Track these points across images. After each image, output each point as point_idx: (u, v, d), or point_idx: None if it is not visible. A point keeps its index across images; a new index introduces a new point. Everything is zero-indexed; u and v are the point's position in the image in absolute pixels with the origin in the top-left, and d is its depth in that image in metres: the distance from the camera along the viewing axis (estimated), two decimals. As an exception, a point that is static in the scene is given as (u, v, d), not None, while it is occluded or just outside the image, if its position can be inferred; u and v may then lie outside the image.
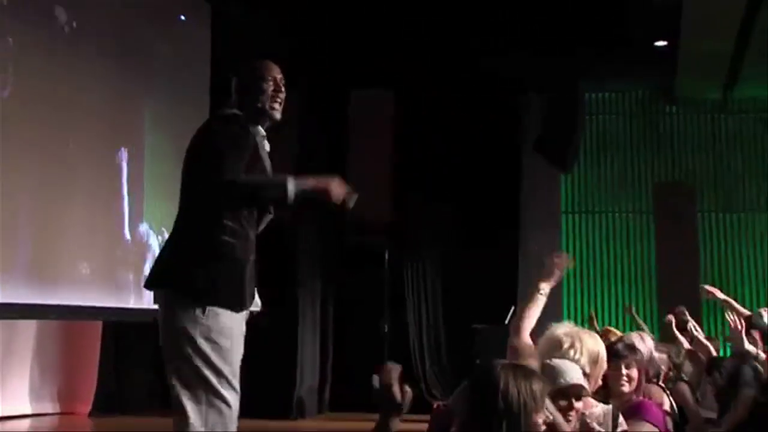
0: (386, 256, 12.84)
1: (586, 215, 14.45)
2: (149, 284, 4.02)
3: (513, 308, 11.80)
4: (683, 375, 7.35)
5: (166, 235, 4.79)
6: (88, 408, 11.57)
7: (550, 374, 3.40)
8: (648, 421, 4.18)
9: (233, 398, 3.94)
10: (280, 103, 4.28)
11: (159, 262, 4.10)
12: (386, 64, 12.47)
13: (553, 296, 12.86)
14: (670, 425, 4.70)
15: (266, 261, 12.60)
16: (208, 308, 3.83)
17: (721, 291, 13.12)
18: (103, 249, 9.53)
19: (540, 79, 12.74)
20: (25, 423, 10.92)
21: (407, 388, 2.92)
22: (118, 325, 11.50)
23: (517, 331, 4.10)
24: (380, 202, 12.64)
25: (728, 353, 9.11)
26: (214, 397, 3.92)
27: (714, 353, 8.41)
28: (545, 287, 4.27)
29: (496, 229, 13.21)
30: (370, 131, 12.90)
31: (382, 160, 12.90)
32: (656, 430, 4.24)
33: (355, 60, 12.50)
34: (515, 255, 13.36)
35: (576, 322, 11.37)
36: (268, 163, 4.13)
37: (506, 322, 10.86)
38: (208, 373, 3.87)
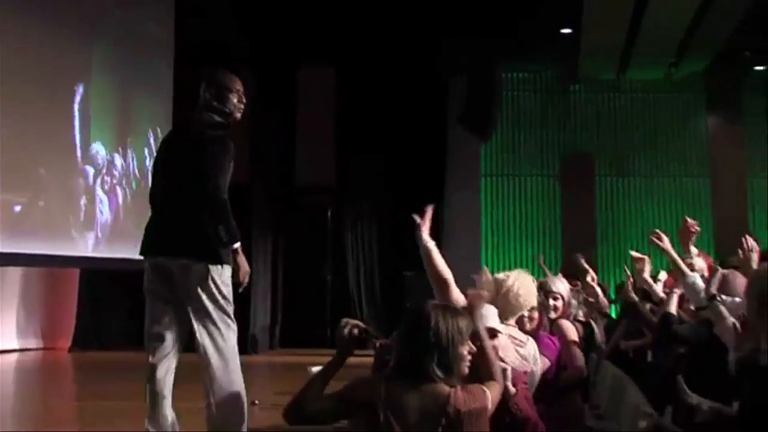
0: (329, 213, 13.26)
1: (502, 178, 14.67)
2: (180, 253, 4.49)
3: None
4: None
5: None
6: (68, 344, 11.88)
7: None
8: (543, 354, 4.12)
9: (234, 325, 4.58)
10: (241, 110, 4.86)
11: (179, 234, 4.52)
12: (329, 44, 12.69)
13: (472, 250, 13.46)
14: (579, 355, 4.83)
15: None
16: (223, 266, 4.47)
17: (614, 246, 13.96)
18: (58, 178, 9.57)
19: (464, 60, 13.05)
20: (13, 357, 11.18)
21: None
22: (93, 272, 11.81)
23: (447, 289, 3.88)
24: (324, 167, 13.06)
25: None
26: (231, 323, 4.53)
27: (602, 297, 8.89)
28: (425, 239, 4.05)
29: (425, 188, 13.04)
30: (315, 104, 13.26)
31: (326, 130, 13.28)
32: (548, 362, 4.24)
33: (301, 40, 12.67)
34: (440, 211, 13.73)
35: (493, 272, 11.80)
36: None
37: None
38: (228, 309, 4.50)
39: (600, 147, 14.59)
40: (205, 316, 4.44)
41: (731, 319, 3.86)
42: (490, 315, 3.50)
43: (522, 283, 3.94)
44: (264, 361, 11.66)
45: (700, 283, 4.14)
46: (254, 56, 12.62)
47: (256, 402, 7.02)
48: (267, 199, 12.81)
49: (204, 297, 4.43)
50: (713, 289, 4.11)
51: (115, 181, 10.67)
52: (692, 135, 14.56)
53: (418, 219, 4.01)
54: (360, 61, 13.19)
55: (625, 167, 14.55)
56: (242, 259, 4.50)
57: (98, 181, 10.39)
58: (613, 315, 8.96)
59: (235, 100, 4.80)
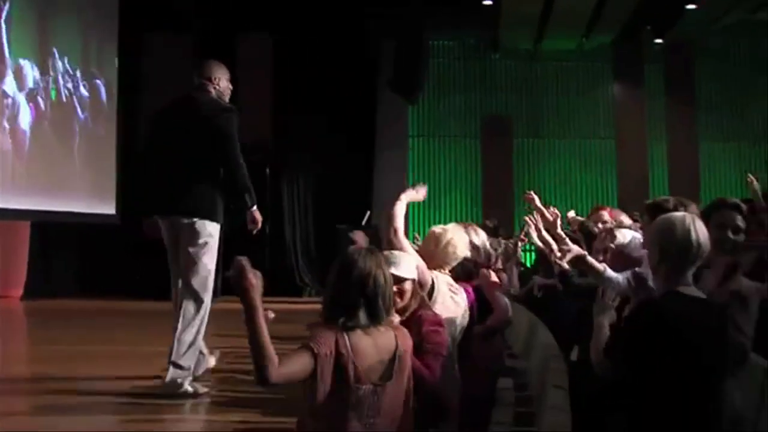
0: (267, 171, 13.19)
1: (428, 139, 14.75)
2: (184, 213, 5.12)
3: (368, 213, 12.38)
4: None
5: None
6: (20, 293, 11.68)
7: (389, 262, 3.22)
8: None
9: None
10: (229, 95, 5.48)
11: (184, 198, 5.12)
12: (266, 10, 12.59)
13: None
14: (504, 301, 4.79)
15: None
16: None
17: (528, 204, 14.18)
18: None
19: (393, 28, 13.00)
20: (-35, 305, 10.95)
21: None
22: (43, 225, 11.63)
23: (396, 233, 3.85)
24: (263, 128, 12.97)
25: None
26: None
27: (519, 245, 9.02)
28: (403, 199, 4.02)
29: (356, 148, 13.48)
30: (254, 69, 13.12)
31: (264, 93, 13.18)
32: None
33: (240, 7, 12.55)
34: (371, 169, 13.78)
35: (419, 227, 11.95)
36: None
37: (362, 223, 11.33)
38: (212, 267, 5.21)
39: (518, 111, 14.72)
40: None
41: (608, 270, 3.92)
42: (405, 262, 3.46)
43: (457, 236, 4.00)
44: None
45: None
46: (196, 20, 12.45)
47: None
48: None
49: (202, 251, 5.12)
50: (565, 264, 4.14)
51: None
52: (600, 101, 14.79)
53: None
54: (295, 27, 13.09)
55: (540, 130, 14.73)
56: (258, 214, 5.33)
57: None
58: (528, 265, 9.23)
59: (228, 87, 5.45)
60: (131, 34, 12.50)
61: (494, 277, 4.44)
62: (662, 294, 2.88)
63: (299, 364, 2.70)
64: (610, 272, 3.84)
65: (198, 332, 5.15)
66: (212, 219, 5.20)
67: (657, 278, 2.98)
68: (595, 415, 3.36)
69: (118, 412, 4.84)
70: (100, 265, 12.49)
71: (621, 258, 4.14)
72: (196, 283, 5.17)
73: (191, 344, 5.10)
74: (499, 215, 11.45)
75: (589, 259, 3.97)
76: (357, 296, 2.83)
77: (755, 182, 4.60)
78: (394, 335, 2.90)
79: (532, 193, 4.87)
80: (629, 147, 14.47)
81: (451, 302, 3.84)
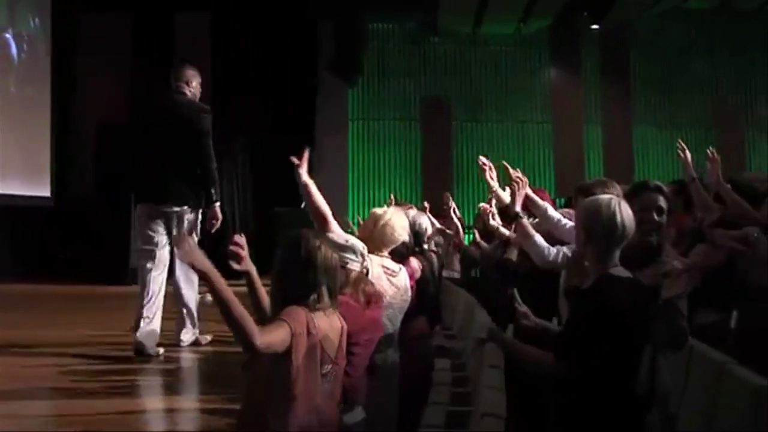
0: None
1: (367, 122, 14.70)
2: (176, 203, 5.91)
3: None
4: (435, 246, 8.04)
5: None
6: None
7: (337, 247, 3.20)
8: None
9: None
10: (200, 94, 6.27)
11: (177, 188, 5.92)
12: None
13: (340, 189, 13.49)
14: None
15: (105, 157, 12.66)
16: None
17: (469, 186, 14.31)
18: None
19: (333, 10, 12.89)
20: None
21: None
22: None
23: (326, 222, 3.81)
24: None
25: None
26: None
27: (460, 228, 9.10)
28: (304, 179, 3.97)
29: (297, 130, 13.10)
30: (193, 48, 12.95)
31: (203, 74, 12.99)
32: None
33: None
34: (310, 152, 13.70)
35: (360, 210, 11.93)
36: None
37: (302, 206, 11.27)
38: None
39: (457, 94, 14.76)
40: None
41: (538, 236, 4.01)
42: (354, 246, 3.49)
43: (395, 218, 4.01)
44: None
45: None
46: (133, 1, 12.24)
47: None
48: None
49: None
50: (517, 208, 4.24)
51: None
52: (537, 85, 14.93)
53: (295, 160, 3.98)
54: (235, 7, 12.95)
55: (479, 113, 14.79)
56: (219, 212, 6.00)
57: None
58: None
59: (199, 88, 6.32)
60: (66, 13, 12.21)
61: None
62: (595, 280, 2.95)
63: (279, 336, 2.70)
64: (539, 237, 3.94)
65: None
66: (196, 208, 6.04)
67: (586, 259, 3.05)
68: (531, 393, 3.42)
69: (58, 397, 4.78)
70: (33, 249, 12.22)
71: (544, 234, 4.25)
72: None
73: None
74: (439, 197, 11.48)
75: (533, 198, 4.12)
76: (320, 277, 2.85)
77: (687, 152, 4.68)
78: (339, 317, 2.95)
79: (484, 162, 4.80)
80: (566, 131, 14.68)
81: (388, 284, 3.83)
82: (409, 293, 4.01)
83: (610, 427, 2.83)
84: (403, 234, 4.04)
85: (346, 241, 3.44)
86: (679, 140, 4.89)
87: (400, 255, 4.38)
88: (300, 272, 2.87)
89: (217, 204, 6.00)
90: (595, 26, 14.01)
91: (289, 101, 13.33)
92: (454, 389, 3.66)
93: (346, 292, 3.32)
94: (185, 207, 5.96)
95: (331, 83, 13.56)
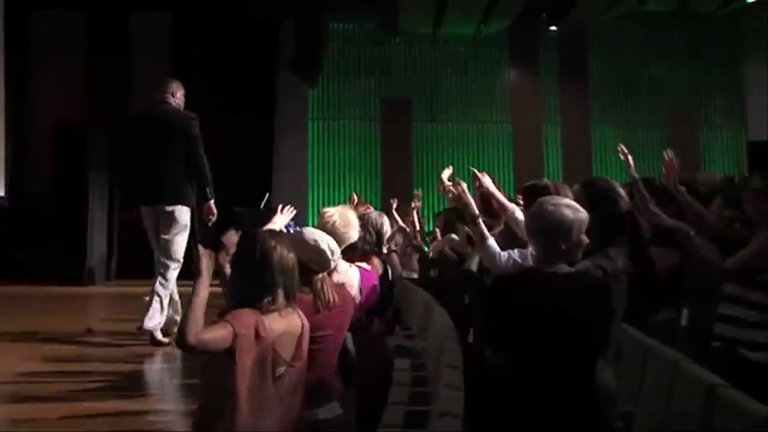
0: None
1: (327, 121, 14.63)
2: (169, 202, 6.54)
3: (267, 195, 12.22)
4: (394, 245, 8.06)
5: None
6: None
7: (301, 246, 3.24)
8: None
9: None
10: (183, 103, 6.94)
11: (167, 188, 6.57)
12: None
13: (300, 189, 13.47)
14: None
15: (63, 156, 12.48)
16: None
17: (429, 186, 14.32)
18: None
19: (293, 9, 12.83)
20: None
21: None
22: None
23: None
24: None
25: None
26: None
27: (418, 228, 9.12)
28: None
29: (256, 129, 13.29)
30: (151, 47, 12.83)
31: (163, 72, 12.83)
32: None
33: None
34: (271, 151, 13.62)
35: (320, 211, 11.84)
36: None
37: (261, 206, 11.19)
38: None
39: (417, 94, 14.79)
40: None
41: (492, 240, 4.03)
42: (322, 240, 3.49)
43: (342, 217, 3.99)
44: (101, 291, 11.40)
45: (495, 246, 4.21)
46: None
47: (92, 329, 6.89)
48: (105, 137, 12.28)
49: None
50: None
51: None
52: (497, 85, 14.99)
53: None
54: (195, 6, 12.80)
55: (439, 113, 14.83)
56: (214, 207, 6.76)
57: None
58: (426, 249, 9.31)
59: (183, 99, 6.99)
60: (18, 10, 12.01)
61: None
62: (522, 271, 2.98)
63: (218, 336, 2.70)
64: (491, 241, 3.94)
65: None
66: (189, 206, 6.67)
67: (534, 258, 3.08)
68: (491, 392, 3.42)
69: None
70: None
71: (509, 235, 4.26)
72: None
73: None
74: (399, 197, 11.47)
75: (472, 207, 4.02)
76: (277, 278, 2.85)
77: (629, 155, 4.75)
78: (299, 316, 2.93)
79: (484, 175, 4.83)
80: (525, 131, 14.79)
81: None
82: (359, 292, 3.98)
83: (569, 424, 2.82)
84: (352, 232, 4.01)
85: (315, 241, 3.40)
86: (620, 145, 4.97)
87: (362, 253, 4.38)
88: (255, 273, 2.86)
89: (212, 201, 6.72)
90: (553, 28, 14.14)
91: (250, 101, 13.23)
92: (413, 389, 3.66)
93: (306, 291, 3.27)
94: (179, 206, 6.59)
95: (291, 83, 13.48)
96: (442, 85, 14.84)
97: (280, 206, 4.20)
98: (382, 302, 4.51)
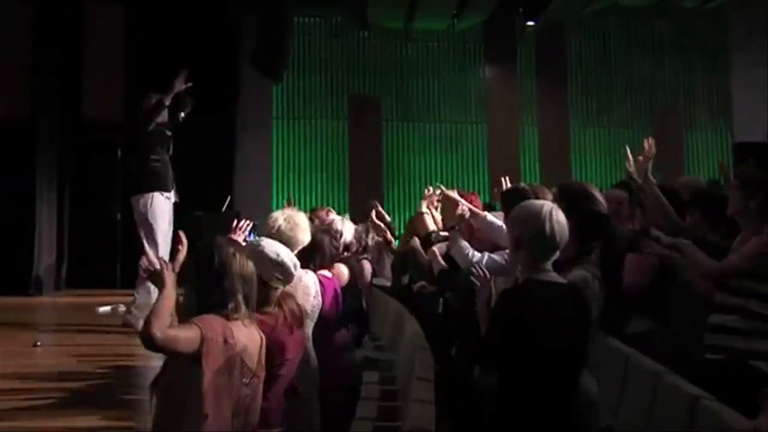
0: (119, 152, 12.78)
1: (292, 120, 14.56)
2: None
3: (228, 198, 12.16)
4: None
5: None
6: None
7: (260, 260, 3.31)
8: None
9: None
10: None
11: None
12: None
13: (263, 191, 13.44)
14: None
15: (7, 158, 12.29)
16: None
17: (400, 188, 14.39)
18: None
19: (255, 2, 12.76)
20: None
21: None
22: None
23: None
24: (113, 104, 12.53)
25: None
26: None
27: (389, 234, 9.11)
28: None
29: (217, 129, 13.13)
30: (103, 40, 12.69)
31: (116, 67, 12.75)
32: None
33: None
34: (232, 151, 13.51)
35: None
36: None
37: (222, 209, 11.12)
38: None
39: (387, 93, 14.77)
40: None
41: (464, 242, 4.16)
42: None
43: (287, 221, 4.00)
44: (49, 302, 11.20)
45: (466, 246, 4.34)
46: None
47: (39, 343, 6.79)
48: (51, 134, 12.17)
49: None
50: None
51: None
52: (472, 84, 15.00)
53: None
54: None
55: (410, 112, 14.83)
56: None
57: None
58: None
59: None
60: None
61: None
62: (522, 282, 2.99)
63: (185, 335, 2.75)
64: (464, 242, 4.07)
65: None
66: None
67: (518, 266, 3.09)
68: (464, 405, 3.44)
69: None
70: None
71: (484, 240, 4.33)
72: None
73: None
74: (367, 201, 11.47)
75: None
76: (237, 286, 2.90)
77: (631, 161, 4.79)
78: (256, 328, 2.99)
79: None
80: (500, 131, 14.82)
81: (293, 290, 3.77)
82: (319, 299, 4.01)
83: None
84: (301, 235, 4.03)
85: (277, 255, 3.40)
86: (626, 146, 4.99)
87: (324, 260, 4.36)
88: (215, 281, 2.91)
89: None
90: (530, 23, 14.20)
91: (209, 99, 13.02)
92: (382, 403, 3.66)
93: (269, 311, 3.32)
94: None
95: (253, 79, 13.35)
96: (414, 83, 14.83)
97: (234, 222, 4.21)
98: (347, 311, 4.50)
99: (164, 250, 7.81)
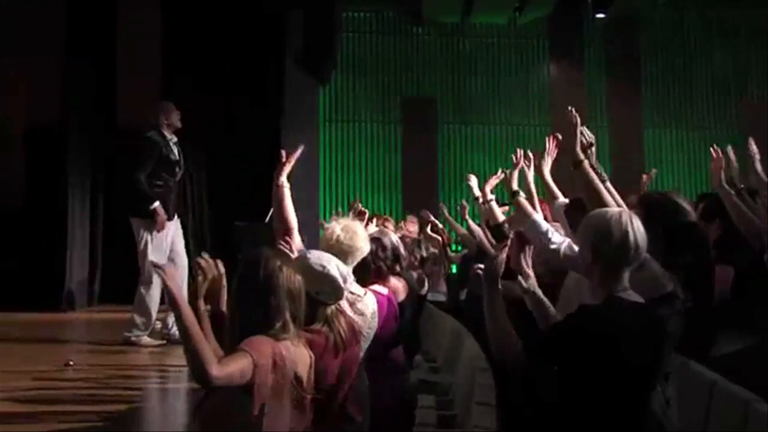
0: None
1: (341, 124, 14.70)
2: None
3: (272, 208, 12.20)
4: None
5: None
6: None
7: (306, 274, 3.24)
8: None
9: None
10: None
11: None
12: None
13: (310, 198, 13.48)
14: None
15: (37, 162, 12.47)
16: None
17: (456, 195, 14.30)
18: None
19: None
20: None
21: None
22: None
23: (289, 232, 4.01)
24: (149, 109, 12.65)
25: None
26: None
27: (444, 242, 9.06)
28: (282, 180, 4.20)
29: (260, 133, 13.06)
30: (139, 42, 12.83)
31: (152, 70, 12.88)
32: None
33: None
34: (276, 158, 13.62)
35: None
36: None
37: (266, 219, 11.16)
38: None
39: (443, 93, 14.80)
40: None
41: (536, 214, 4.03)
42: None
43: (347, 229, 3.96)
44: (81, 318, 11.33)
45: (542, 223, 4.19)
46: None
47: (71, 363, 6.85)
48: (84, 140, 12.35)
49: None
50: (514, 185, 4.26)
51: None
52: (535, 83, 14.98)
53: (284, 156, 4.15)
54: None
55: (468, 115, 14.83)
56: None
57: None
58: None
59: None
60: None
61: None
62: (602, 301, 2.93)
63: (238, 367, 2.71)
64: (538, 217, 3.93)
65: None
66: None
67: (591, 280, 3.02)
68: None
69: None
70: None
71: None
72: None
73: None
74: (422, 209, 11.45)
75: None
76: (283, 302, 2.88)
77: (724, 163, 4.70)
78: (305, 347, 2.99)
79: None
80: (566, 134, 14.66)
81: (350, 310, 3.78)
82: (376, 320, 3.96)
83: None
84: (361, 244, 3.98)
85: (323, 267, 3.37)
86: (713, 145, 4.90)
87: (378, 274, 4.33)
88: (261, 297, 2.89)
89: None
90: (600, 15, 14.08)
91: (252, 101, 13.21)
92: (438, 430, 3.63)
93: (317, 329, 3.30)
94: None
95: (299, 80, 13.43)
96: (472, 83, 14.84)
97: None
98: (400, 330, 4.47)
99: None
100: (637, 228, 2.93)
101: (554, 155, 4.46)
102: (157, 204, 8.45)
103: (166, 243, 8.65)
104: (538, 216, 4.00)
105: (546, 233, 3.89)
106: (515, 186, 4.34)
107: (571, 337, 2.86)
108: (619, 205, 3.77)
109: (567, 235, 4.01)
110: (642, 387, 2.91)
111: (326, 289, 3.35)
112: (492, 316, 3.03)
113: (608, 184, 4.05)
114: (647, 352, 2.89)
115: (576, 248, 3.84)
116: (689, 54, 14.94)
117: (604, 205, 3.66)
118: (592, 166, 4.07)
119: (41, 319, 10.41)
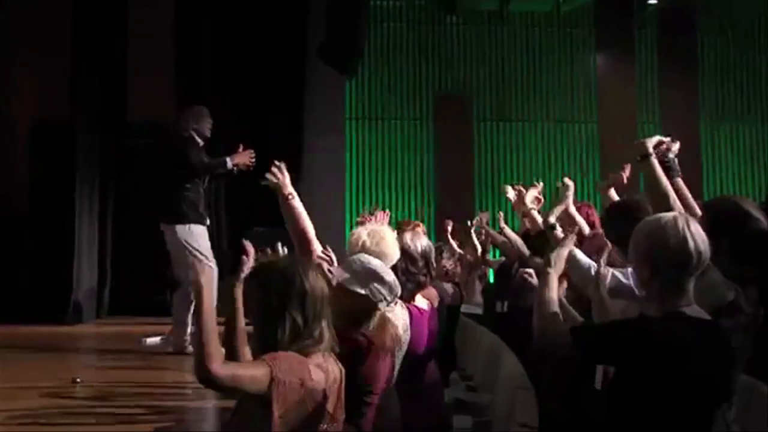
0: (166, 158, 12.99)
1: (369, 121, 14.81)
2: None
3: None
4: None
5: None
6: None
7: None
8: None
9: None
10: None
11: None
12: None
13: (336, 199, 13.50)
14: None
15: (43, 164, 12.57)
16: None
17: (493, 196, 14.32)
18: None
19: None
20: None
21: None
22: None
23: (308, 243, 4.07)
24: (161, 106, 12.73)
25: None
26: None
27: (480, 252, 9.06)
28: (289, 190, 4.30)
29: (280, 132, 13.20)
30: (151, 37, 12.92)
31: (165, 64, 12.96)
32: None
33: None
34: (299, 158, 13.61)
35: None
36: None
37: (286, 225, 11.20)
38: None
39: (479, 88, 14.84)
40: None
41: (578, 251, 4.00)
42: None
43: (373, 235, 4.02)
44: (89, 331, 11.37)
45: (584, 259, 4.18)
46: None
47: (78, 380, 6.89)
48: (92, 137, 12.44)
49: None
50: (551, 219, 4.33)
51: None
52: (580, 75, 15.00)
53: (276, 177, 4.30)
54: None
55: (507, 111, 14.87)
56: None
57: None
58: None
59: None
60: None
61: None
62: (663, 315, 2.88)
63: (250, 373, 2.74)
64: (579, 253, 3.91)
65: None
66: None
67: (649, 295, 2.98)
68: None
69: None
70: None
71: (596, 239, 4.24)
72: None
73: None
74: (457, 213, 11.46)
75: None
76: (308, 313, 2.89)
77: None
78: (334, 360, 2.98)
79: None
80: (615, 130, 14.63)
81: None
82: (409, 333, 3.99)
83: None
84: (389, 250, 4.02)
85: (376, 268, 3.52)
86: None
87: (416, 285, 4.33)
88: (287, 307, 2.90)
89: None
90: (652, 1, 14.03)
91: (272, 98, 13.24)
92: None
93: (367, 331, 3.40)
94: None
95: (323, 74, 13.44)
96: (511, 76, 14.88)
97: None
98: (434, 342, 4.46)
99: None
100: (695, 232, 2.88)
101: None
102: (229, 159, 9.13)
103: (207, 244, 9.13)
104: (579, 252, 3.99)
105: (590, 269, 3.89)
106: (552, 219, 4.34)
107: (633, 343, 2.83)
108: (689, 206, 3.74)
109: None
110: (704, 408, 2.87)
111: (381, 289, 3.46)
112: (542, 300, 3.04)
113: (679, 180, 4.01)
114: (713, 370, 2.84)
115: (615, 276, 3.81)
116: (750, 42, 14.86)
117: (669, 206, 3.66)
118: (664, 161, 3.98)
119: (47, 332, 10.40)
